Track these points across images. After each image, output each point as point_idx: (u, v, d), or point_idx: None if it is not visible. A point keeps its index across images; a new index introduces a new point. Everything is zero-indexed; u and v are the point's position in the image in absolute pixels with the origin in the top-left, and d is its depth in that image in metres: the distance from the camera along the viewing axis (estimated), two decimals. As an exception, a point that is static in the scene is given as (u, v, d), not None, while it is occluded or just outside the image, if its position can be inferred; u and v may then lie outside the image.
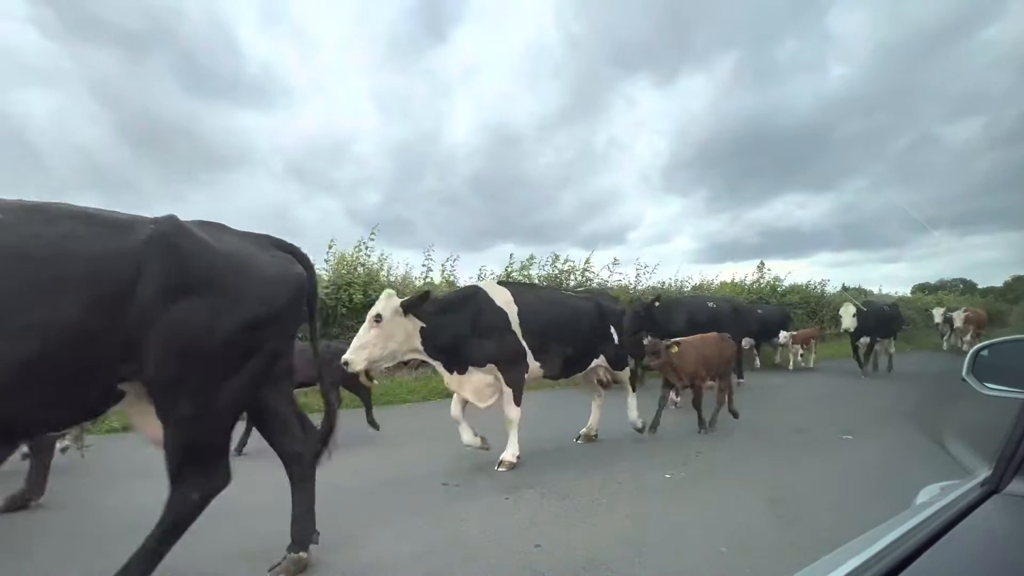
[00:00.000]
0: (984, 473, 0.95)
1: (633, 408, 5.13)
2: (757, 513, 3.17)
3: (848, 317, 9.81)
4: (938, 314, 14.72)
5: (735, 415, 5.53)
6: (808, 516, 3.10)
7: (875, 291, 19.59)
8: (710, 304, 8.61)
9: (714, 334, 5.90)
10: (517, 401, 4.18)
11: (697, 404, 5.31)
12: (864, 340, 9.93)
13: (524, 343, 4.21)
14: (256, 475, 3.82)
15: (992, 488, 0.90)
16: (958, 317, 14.04)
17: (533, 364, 4.32)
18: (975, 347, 1.58)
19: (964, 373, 1.52)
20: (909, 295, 22.53)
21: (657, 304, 7.90)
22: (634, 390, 5.40)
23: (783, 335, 10.72)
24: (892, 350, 10.74)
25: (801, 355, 11.11)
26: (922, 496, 1.13)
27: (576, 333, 4.58)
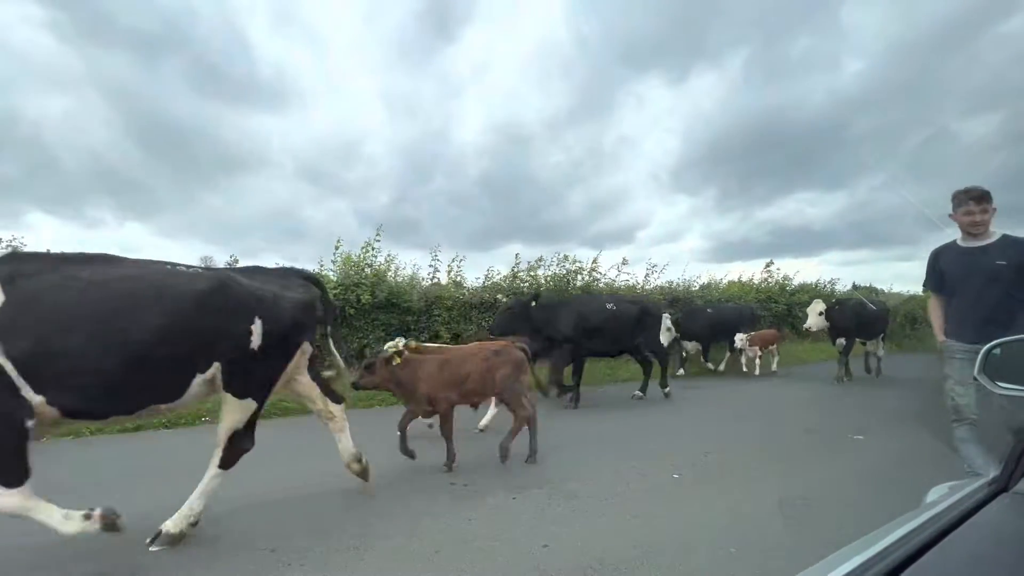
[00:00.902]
0: (993, 472, 0.95)
1: (347, 447, 3.59)
2: (767, 514, 3.15)
3: (813, 315, 9.02)
4: None
5: (504, 453, 4.19)
6: (818, 517, 3.08)
7: (885, 290, 19.40)
8: (609, 305, 7.39)
9: (487, 344, 4.65)
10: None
11: (446, 433, 4.16)
12: (841, 342, 9.04)
13: (7, 366, 2.32)
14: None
15: (1001, 487, 0.90)
16: None
17: (33, 401, 2.39)
18: (987, 346, 1.56)
19: (976, 372, 1.50)
20: (921, 294, 22.28)
21: (535, 303, 6.86)
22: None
23: (739, 338, 9.75)
24: (881, 353, 9.73)
25: (759, 358, 10.06)
26: (931, 495, 1.12)
27: (142, 338, 2.57)
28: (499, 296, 9.21)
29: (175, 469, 4.21)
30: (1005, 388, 1.43)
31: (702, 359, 10.30)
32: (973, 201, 3.02)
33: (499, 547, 2.72)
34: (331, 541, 2.82)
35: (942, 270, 3.31)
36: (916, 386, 8.72)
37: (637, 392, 7.57)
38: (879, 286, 19.59)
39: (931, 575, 0.67)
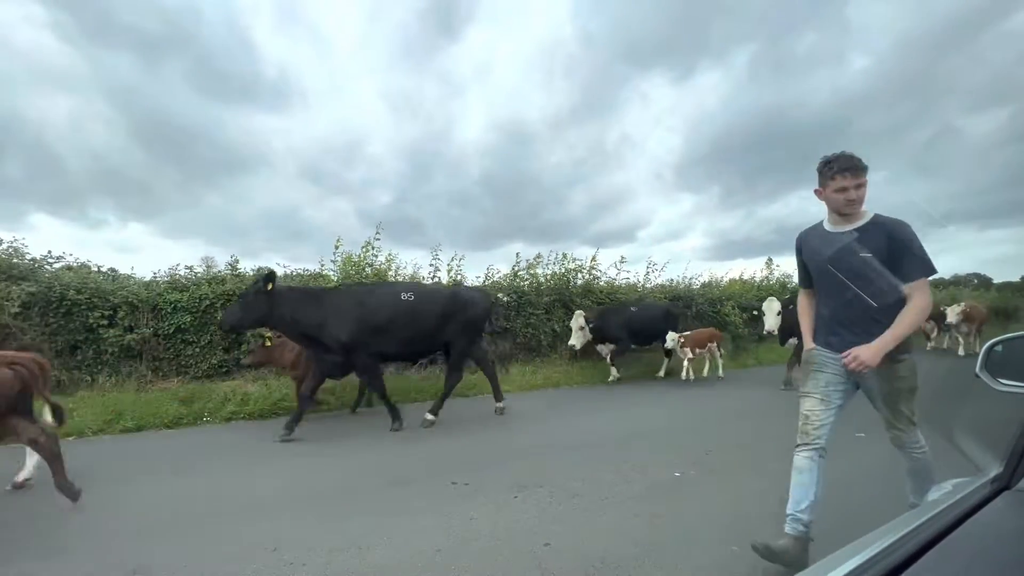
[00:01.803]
0: (995, 470, 0.94)
1: None
2: (769, 512, 3.14)
3: (771, 315, 8.28)
4: None
5: (69, 495, 3.27)
6: (821, 514, 3.07)
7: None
8: (405, 295, 5.60)
9: None
10: None
11: None
12: (793, 342, 8.00)
13: None
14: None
15: (1003, 485, 0.90)
16: (952, 312, 11.85)
17: None
18: (988, 343, 1.57)
19: (978, 369, 1.51)
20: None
21: (270, 287, 5.08)
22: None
23: (671, 337, 8.63)
24: None
25: (690, 360, 8.81)
26: (934, 493, 1.12)
27: None
28: (499, 295, 9.22)
29: (172, 467, 4.22)
30: (1007, 385, 1.44)
31: (609, 362, 8.97)
32: (848, 173, 2.35)
33: (500, 546, 2.73)
34: (333, 540, 2.82)
35: (805, 261, 2.71)
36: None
37: (428, 416, 5.73)
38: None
39: (932, 574, 0.66)
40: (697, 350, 8.91)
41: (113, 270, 7.81)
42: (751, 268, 26.11)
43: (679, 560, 2.56)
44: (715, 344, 9.28)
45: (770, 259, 14.94)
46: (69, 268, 7.31)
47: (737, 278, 14.47)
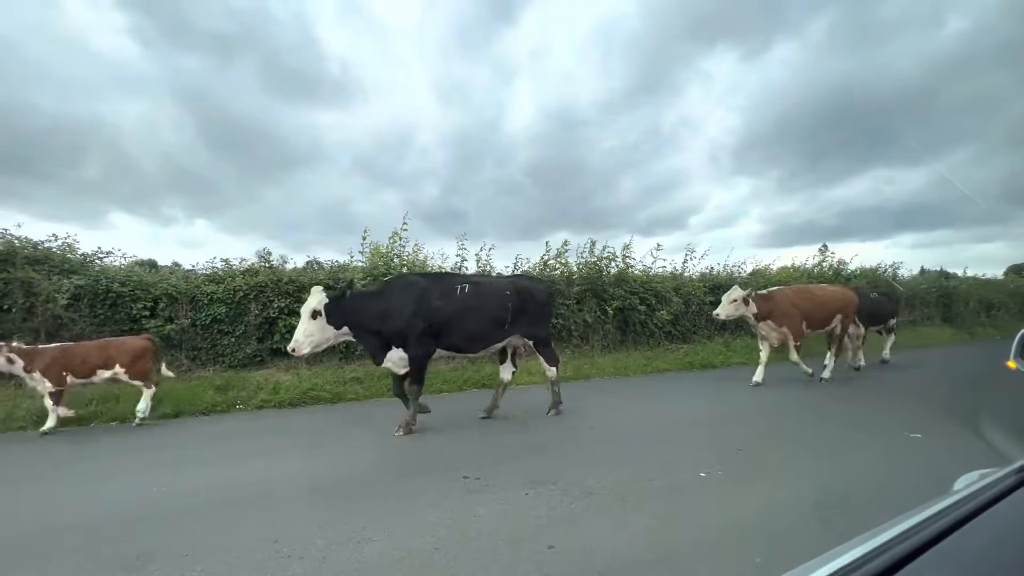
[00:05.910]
0: (1021, 460, 0.93)
1: None
2: (801, 519, 2.85)
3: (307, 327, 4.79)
4: None
5: None
6: (859, 522, 2.75)
7: (959, 273, 17.82)
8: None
9: None
10: None
11: None
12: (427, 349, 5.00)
13: None
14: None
15: None
16: (725, 301, 6.97)
17: None
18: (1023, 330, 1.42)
19: (1012, 356, 1.40)
20: (1001, 277, 20.37)
21: None
22: None
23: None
24: (550, 374, 5.64)
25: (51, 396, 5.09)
26: (960, 483, 1.06)
27: None
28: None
29: (194, 456, 4.31)
30: None
31: None
32: None
33: (502, 546, 2.58)
34: (334, 534, 2.76)
35: None
36: (982, 377, 7.92)
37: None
38: (952, 269, 18.00)
39: (950, 559, 0.67)
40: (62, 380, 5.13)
41: (153, 262, 8.17)
42: (806, 254, 24.58)
43: (694, 569, 2.33)
44: (117, 371, 5.35)
45: (825, 245, 13.95)
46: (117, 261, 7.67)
47: (789, 265, 13.65)
